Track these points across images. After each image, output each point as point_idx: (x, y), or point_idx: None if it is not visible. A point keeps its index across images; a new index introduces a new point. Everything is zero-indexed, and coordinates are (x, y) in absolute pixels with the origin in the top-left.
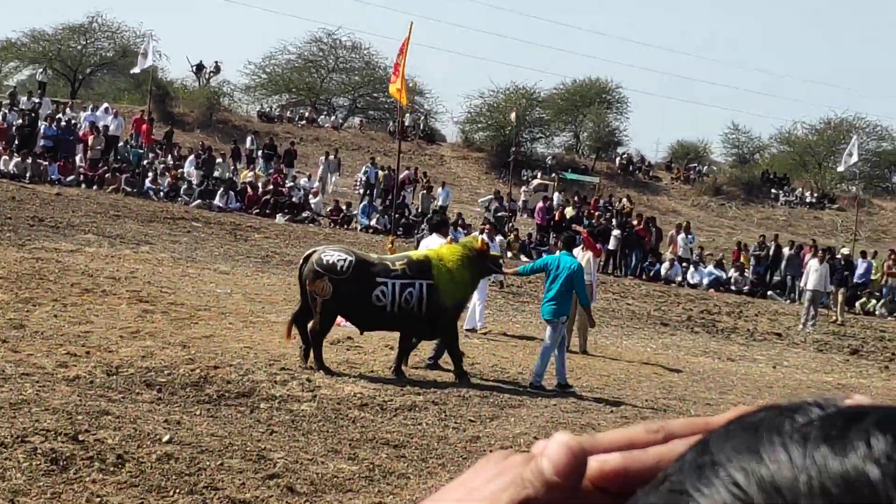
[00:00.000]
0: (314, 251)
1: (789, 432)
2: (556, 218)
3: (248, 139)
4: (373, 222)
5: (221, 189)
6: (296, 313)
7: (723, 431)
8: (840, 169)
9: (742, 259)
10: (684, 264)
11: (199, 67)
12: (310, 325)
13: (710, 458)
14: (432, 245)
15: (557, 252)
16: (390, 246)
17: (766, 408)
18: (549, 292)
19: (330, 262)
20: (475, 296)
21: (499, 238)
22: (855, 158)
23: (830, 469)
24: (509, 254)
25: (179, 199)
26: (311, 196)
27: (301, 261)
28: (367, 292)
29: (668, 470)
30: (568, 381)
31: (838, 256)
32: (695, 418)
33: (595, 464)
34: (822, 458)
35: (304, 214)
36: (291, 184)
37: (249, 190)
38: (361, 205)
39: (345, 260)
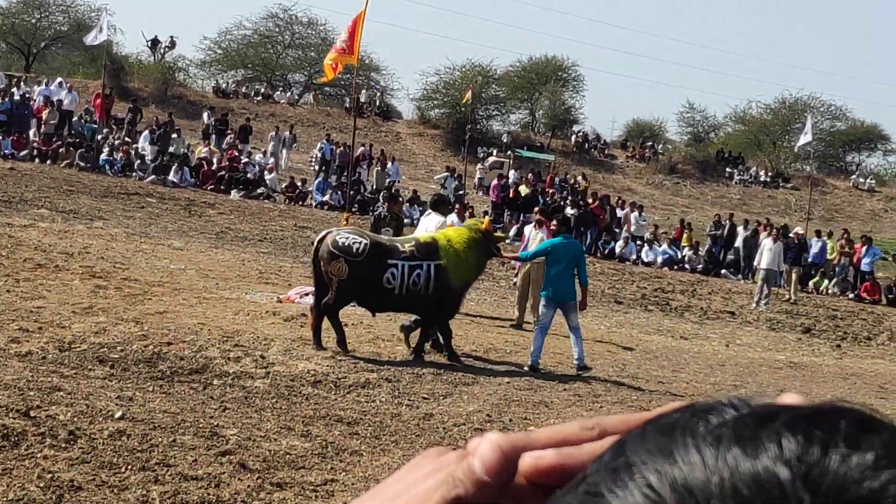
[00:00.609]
0: (328, 233)
1: (703, 434)
2: (511, 195)
3: (204, 115)
4: (327, 198)
5: (176, 165)
6: (316, 299)
7: (639, 433)
8: (797, 145)
9: (685, 238)
10: (638, 242)
11: (155, 42)
12: (325, 299)
13: (625, 460)
14: (430, 224)
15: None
16: (345, 223)
17: (682, 408)
18: (554, 275)
19: (346, 244)
20: None
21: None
22: (809, 138)
23: (742, 470)
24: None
25: (134, 174)
26: (266, 172)
27: (315, 242)
28: (380, 275)
29: (587, 470)
30: (538, 364)
31: (791, 235)
32: (630, 415)
33: (530, 460)
34: (734, 459)
35: (259, 191)
36: (246, 160)
37: (204, 166)
38: (316, 181)
39: (360, 242)
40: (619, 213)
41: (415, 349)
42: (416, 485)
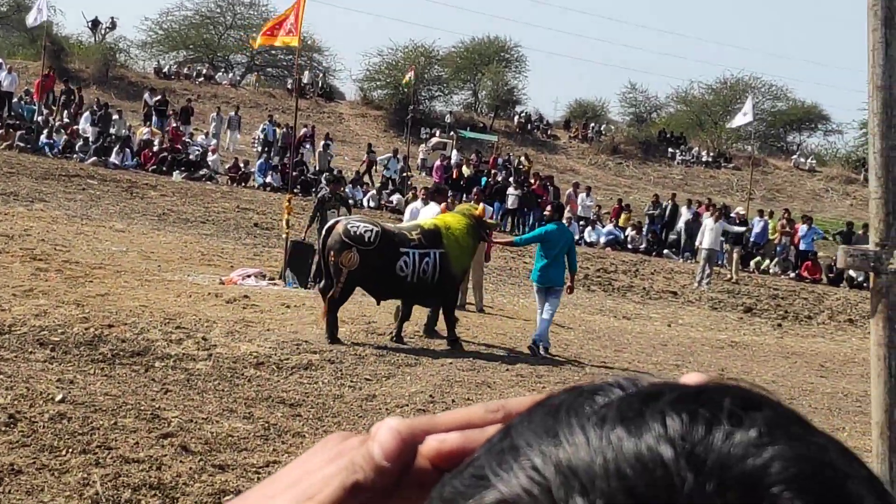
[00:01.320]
0: (338, 222)
1: (588, 414)
2: (454, 176)
3: (145, 96)
4: (269, 179)
5: (117, 146)
6: (323, 287)
7: (526, 415)
8: (731, 125)
9: (622, 218)
10: (581, 223)
11: (95, 23)
12: (329, 293)
13: (511, 442)
14: (428, 212)
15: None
16: (287, 204)
17: (570, 389)
18: (544, 260)
19: (358, 232)
20: None
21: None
22: (750, 118)
23: (625, 450)
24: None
25: (75, 156)
26: (208, 153)
27: (324, 233)
28: (392, 263)
29: (475, 454)
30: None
31: (733, 215)
32: (536, 396)
33: (434, 443)
34: (618, 439)
35: (202, 172)
36: (188, 141)
37: (146, 147)
38: (259, 162)
39: (372, 231)
40: (574, 194)
41: (428, 331)
42: (315, 472)
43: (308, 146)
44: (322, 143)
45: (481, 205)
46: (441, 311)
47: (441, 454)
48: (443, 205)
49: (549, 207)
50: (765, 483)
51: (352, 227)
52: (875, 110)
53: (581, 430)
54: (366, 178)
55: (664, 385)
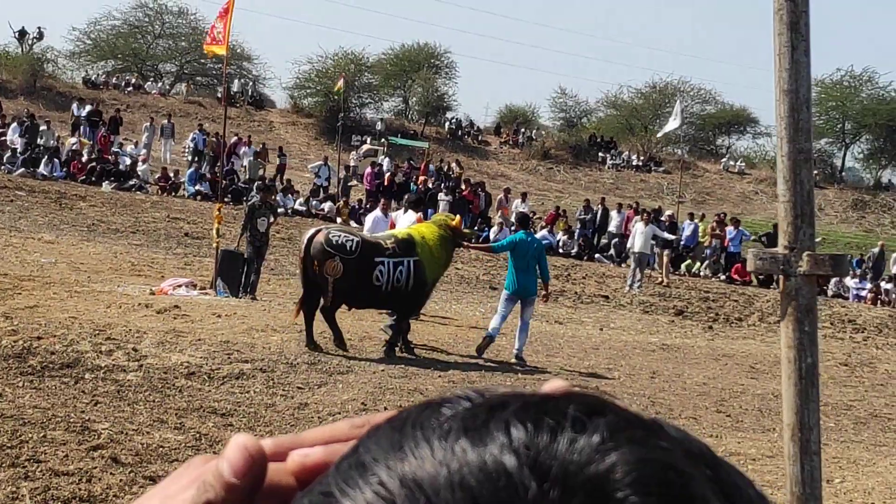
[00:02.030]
0: (318, 231)
1: (433, 427)
2: (386, 183)
3: (74, 106)
4: (199, 188)
5: (46, 157)
6: (303, 296)
7: (373, 431)
8: (660, 133)
9: (558, 223)
10: (513, 228)
11: (22, 33)
12: (321, 303)
13: (357, 459)
14: (405, 221)
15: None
16: (217, 213)
17: (420, 403)
18: (515, 269)
19: (339, 241)
20: None
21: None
22: (678, 122)
23: (469, 461)
24: (339, 220)
25: (2, 167)
26: (138, 163)
27: (305, 241)
28: (369, 271)
29: (328, 471)
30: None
31: (663, 219)
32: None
33: (297, 458)
34: (462, 450)
35: (131, 182)
36: (118, 151)
37: (75, 158)
38: (189, 172)
39: (352, 240)
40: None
41: (388, 343)
42: (175, 496)
43: (241, 154)
44: (257, 152)
45: (457, 217)
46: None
47: (305, 469)
48: (419, 214)
49: (512, 219)
50: (608, 487)
51: (333, 236)
52: (782, 114)
53: (426, 442)
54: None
55: (511, 395)
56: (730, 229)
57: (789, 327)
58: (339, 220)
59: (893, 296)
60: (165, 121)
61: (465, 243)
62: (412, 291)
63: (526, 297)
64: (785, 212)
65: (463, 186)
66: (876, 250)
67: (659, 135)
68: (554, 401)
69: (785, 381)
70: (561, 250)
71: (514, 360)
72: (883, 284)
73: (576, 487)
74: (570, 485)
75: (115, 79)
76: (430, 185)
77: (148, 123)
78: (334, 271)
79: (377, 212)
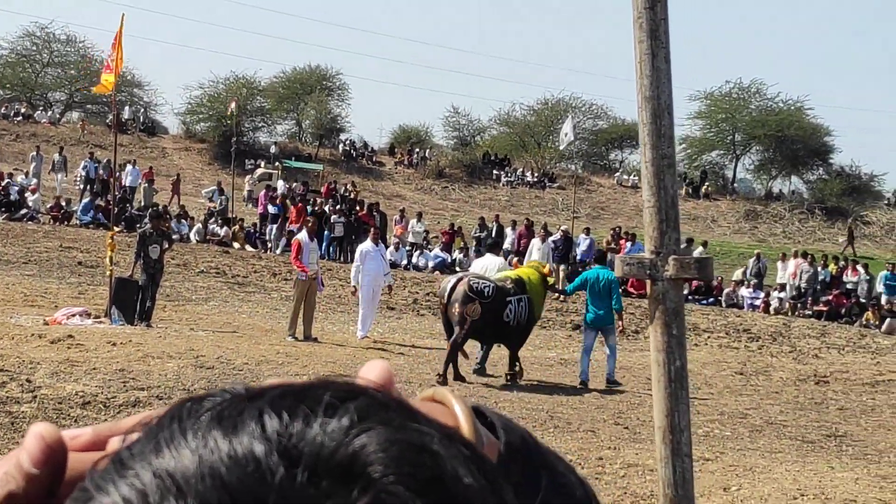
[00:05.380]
0: (459, 279)
1: (191, 420)
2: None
3: None
4: (92, 217)
5: None
6: (449, 336)
7: (140, 426)
8: (563, 146)
9: (455, 242)
10: (408, 247)
11: None
12: (452, 337)
13: (117, 455)
14: (488, 263)
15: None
16: (110, 241)
17: (183, 399)
18: (592, 303)
19: (479, 288)
20: (365, 305)
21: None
22: (571, 137)
23: (221, 450)
24: (236, 244)
25: None
26: (28, 193)
27: (448, 288)
28: (502, 310)
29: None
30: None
31: (559, 236)
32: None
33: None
34: (214, 441)
35: (22, 212)
36: (8, 181)
37: None
38: (83, 201)
39: (490, 286)
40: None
41: (512, 376)
42: None
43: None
44: (135, 170)
45: (548, 265)
46: (512, 349)
47: (78, 449)
48: (500, 258)
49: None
50: (357, 468)
51: (474, 283)
52: (644, 121)
53: (182, 435)
54: (173, 207)
55: (271, 386)
56: (626, 244)
57: (658, 331)
58: (235, 244)
59: (786, 304)
60: (57, 155)
61: (552, 289)
62: (526, 326)
63: (604, 327)
64: (650, 217)
65: (358, 208)
66: (753, 259)
67: (561, 147)
68: (312, 388)
69: (655, 385)
70: (458, 269)
71: (607, 385)
72: (774, 293)
73: (324, 470)
74: (318, 468)
75: (3, 108)
76: (326, 209)
77: (34, 153)
78: (473, 313)
79: (367, 243)
